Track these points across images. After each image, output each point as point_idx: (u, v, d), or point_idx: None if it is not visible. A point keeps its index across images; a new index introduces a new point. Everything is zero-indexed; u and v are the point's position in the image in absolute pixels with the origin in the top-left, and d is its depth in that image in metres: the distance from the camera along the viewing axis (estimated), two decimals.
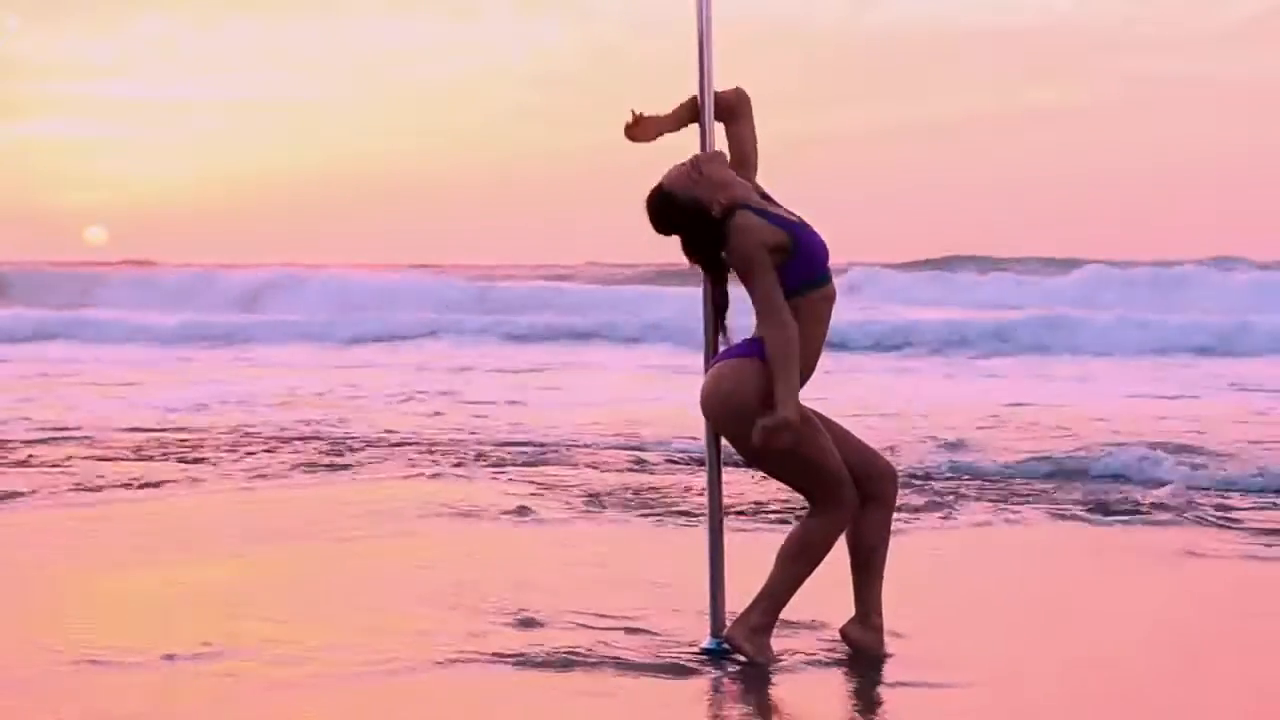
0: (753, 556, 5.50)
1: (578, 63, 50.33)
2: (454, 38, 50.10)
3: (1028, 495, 8.90)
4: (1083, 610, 6.17)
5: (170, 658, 5.23)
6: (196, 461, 10.39)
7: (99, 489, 9.19)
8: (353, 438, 11.69)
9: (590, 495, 8.92)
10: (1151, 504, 8.49)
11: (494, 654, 5.33)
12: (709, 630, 5.30)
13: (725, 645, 5.22)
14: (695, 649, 5.29)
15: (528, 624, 5.73)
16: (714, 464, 5.30)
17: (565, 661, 5.25)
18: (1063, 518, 8.21)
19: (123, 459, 10.52)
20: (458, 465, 10.22)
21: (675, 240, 5.17)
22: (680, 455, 10.59)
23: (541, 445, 11.22)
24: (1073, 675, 5.14)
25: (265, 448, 11.11)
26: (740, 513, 8.15)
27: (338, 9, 51.58)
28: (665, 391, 15.57)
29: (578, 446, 11.15)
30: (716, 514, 5.30)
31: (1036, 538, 7.77)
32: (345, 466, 10.19)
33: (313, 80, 54.06)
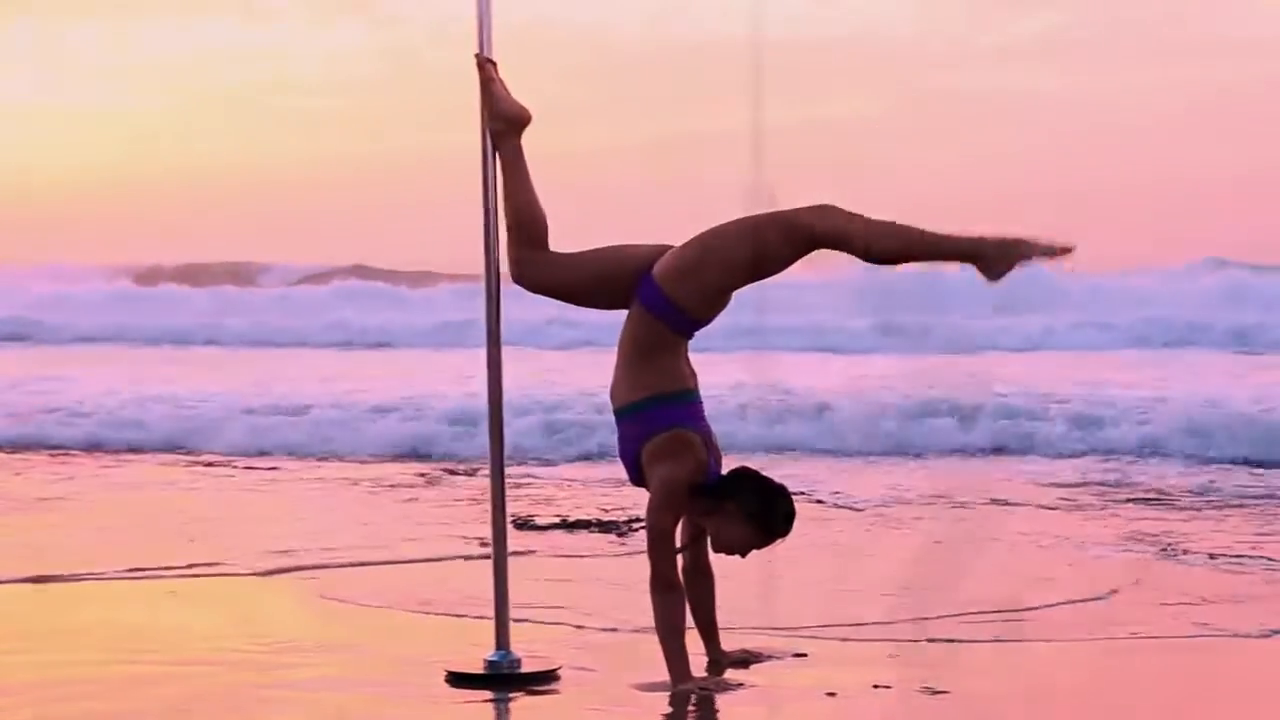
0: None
1: (373, 68, 49.24)
2: (247, 42, 48.66)
3: None
4: None
5: None
6: None
7: None
8: None
9: None
10: None
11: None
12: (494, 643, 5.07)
13: (510, 657, 5.03)
14: (480, 661, 5.03)
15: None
16: (497, 467, 5.08)
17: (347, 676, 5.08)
18: None
19: None
20: None
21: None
22: None
23: None
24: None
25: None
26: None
27: (132, 10, 49.84)
28: None
29: None
30: (500, 519, 5.07)
31: None
32: None
33: (112, 87, 52.17)
